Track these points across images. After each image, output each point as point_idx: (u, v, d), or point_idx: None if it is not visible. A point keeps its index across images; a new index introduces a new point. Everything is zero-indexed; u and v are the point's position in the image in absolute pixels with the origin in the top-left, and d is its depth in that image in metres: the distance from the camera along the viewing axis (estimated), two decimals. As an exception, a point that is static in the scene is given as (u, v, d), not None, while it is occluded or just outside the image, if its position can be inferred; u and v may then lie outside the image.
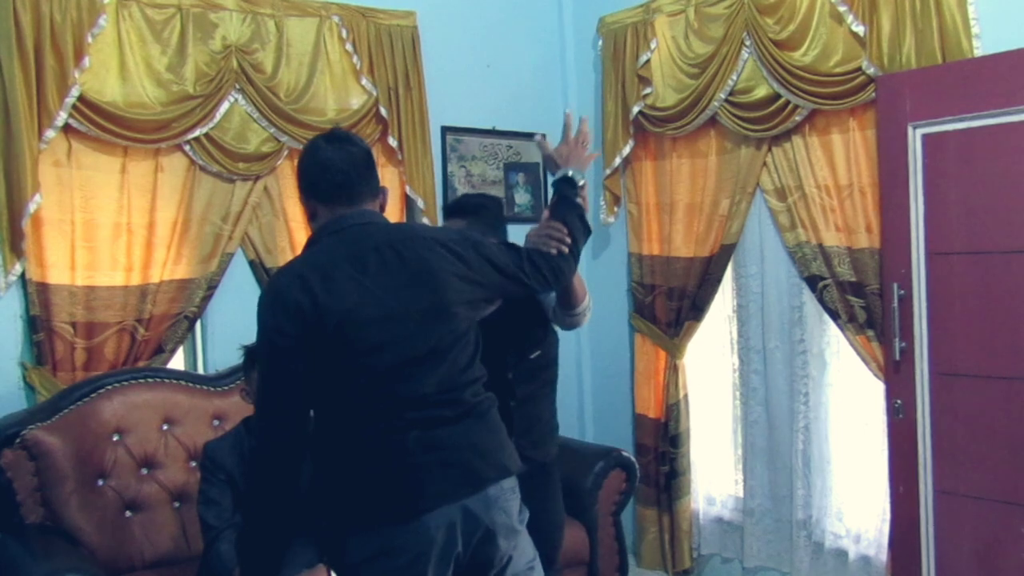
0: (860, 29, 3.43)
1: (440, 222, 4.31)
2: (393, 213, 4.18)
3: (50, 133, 3.31)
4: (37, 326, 3.35)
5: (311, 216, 2.21)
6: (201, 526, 2.90)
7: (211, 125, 3.65)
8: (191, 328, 3.71)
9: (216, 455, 2.93)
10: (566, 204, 2.52)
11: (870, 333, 3.52)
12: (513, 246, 2.41)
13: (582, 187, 2.56)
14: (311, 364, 2.04)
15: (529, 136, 4.66)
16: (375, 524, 2.08)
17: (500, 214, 2.98)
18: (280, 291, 2.07)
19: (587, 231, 2.53)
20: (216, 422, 3.47)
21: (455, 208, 2.96)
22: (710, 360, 4.33)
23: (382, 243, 2.15)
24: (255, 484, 2.17)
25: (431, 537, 2.06)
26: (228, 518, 2.88)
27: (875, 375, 3.52)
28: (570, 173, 2.57)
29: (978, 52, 3.17)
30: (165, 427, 3.39)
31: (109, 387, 3.32)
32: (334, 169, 2.16)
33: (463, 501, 2.10)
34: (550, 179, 2.64)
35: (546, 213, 2.54)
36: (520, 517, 2.27)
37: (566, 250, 2.43)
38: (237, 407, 3.17)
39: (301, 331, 2.02)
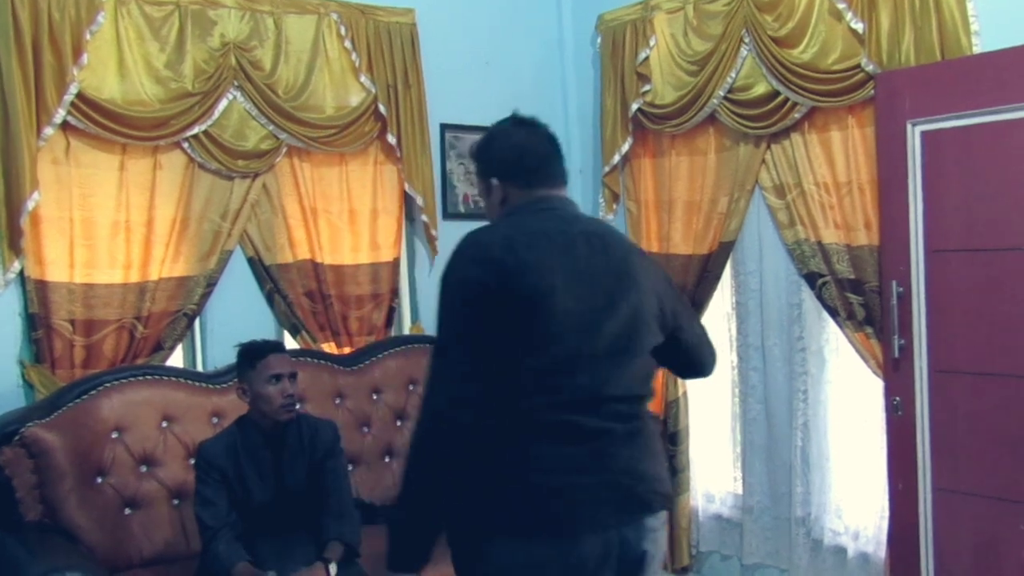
0: (859, 26, 3.42)
1: (439, 220, 4.32)
2: (392, 210, 4.18)
3: (48, 131, 3.30)
4: (36, 324, 3.35)
5: (501, 200, 2.13)
6: (198, 526, 2.91)
7: (210, 122, 3.64)
8: (190, 325, 3.71)
9: (210, 455, 2.93)
10: None
11: (869, 330, 3.52)
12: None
13: None
14: (499, 330, 1.88)
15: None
16: (526, 534, 1.90)
17: None
18: (484, 246, 1.95)
19: None
20: (215, 419, 3.47)
21: None
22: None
23: (590, 232, 2.06)
24: (420, 461, 1.91)
25: (583, 560, 1.91)
26: (224, 517, 2.89)
27: (874, 372, 3.52)
28: None
29: (977, 49, 3.16)
30: (164, 424, 3.39)
31: (108, 385, 3.32)
32: (532, 152, 2.12)
33: (622, 528, 1.96)
34: None
35: None
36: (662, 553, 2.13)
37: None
38: (236, 405, 3.17)
39: (500, 288, 1.88)
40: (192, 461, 3.24)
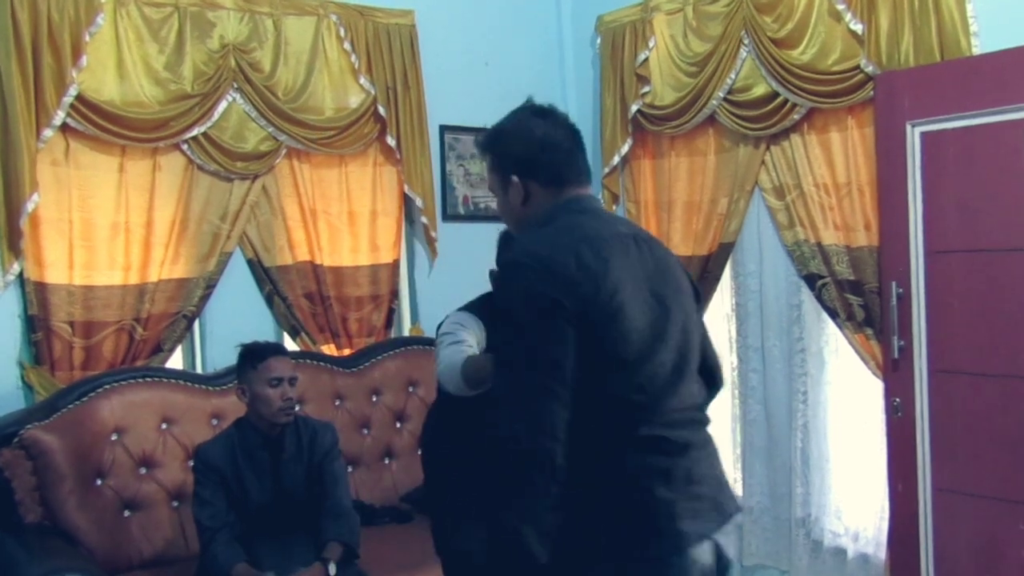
0: (858, 27, 3.42)
1: (439, 221, 4.32)
2: (391, 212, 4.18)
3: (48, 132, 3.30)
4: (35, 325, 3.34)
5: (522, 199, 1.94)
6: (197, 528, 2.91)
7: (209, 124, 3.64)
8: (189, 327, 3.71)
9: (208, 457, 2.94)
10: None
11: (868, 331, 3.52)
12: None
13: None
14: (575, 346, 1.71)
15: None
16: (635, 556, 1.76)
17: None
18: (547, 259, 1.76)
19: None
20: (214, 421, 3.47)
21: None
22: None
23: (637, 235, 1.92)
24: (511, 500, 1.68)
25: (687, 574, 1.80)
26: (222, 519, 2.89)
27: (874, 373, 3.52)
28: None
29: (976, 50, 3.17)
30: (163, 426, 3.39)
31: (107, 386, 3.32)
32: (556, 146, 1.93)
33: (715, 536, 1.85)
34: None
35: None
36: None
37: None
38: (235, 406, 3.17)
39: (573, 303, 1.71)
40: (191, 463, 3.24)
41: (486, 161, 2.07)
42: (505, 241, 2.68)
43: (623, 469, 1.78)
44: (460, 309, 2.68)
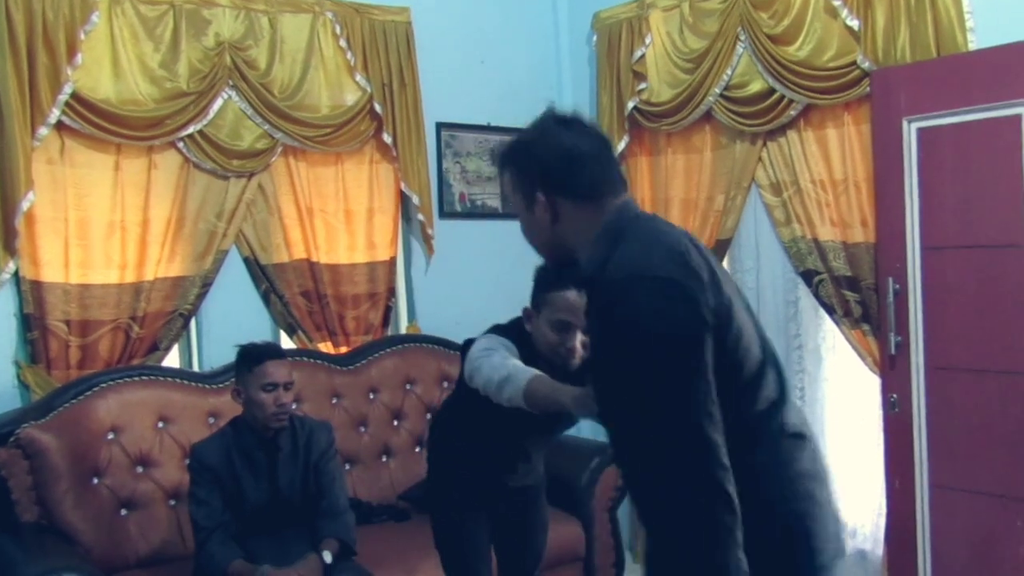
0: (855, 23, 3.42)
1: (435, 219, 4.31)
2: (388, 209, 4.17)
3: (43, 131, 3.30)
4: (31, 324, 3.34)
5: (553, 218, 1.73)
6: (193, 527, 2.90)
7: (205, 122, 3.64)
8: (185, 326, 3.70)
9: (203, 456, 2.93)
10: None
11: (865, 328, 3.52)
12: None
13: None
14: (714, 375, 1.52)
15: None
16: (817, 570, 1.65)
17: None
18: (669, 280, 1.53)
19: None
20: (211, 420, 3.46)
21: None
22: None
23: (699, 243, 1.74)
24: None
25: None
26: (218, 518, 2.88)
27: (871, 370, 3.52)
28: None
29: (972, 46, 3.17)
30: (160, 425, 3.39)
31: (104, 385, 3.31)
32: (587, 158, 1.73)
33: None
34: None
35: None
36: None
37: None
38: (232, 405, 3.16)
39: (711, 316, 1.54)
40: (187, 462, 3.24)
41: (504, 177, 1.84)
42: (542, 276, 2.41)
43: (775, 497, 1.62)
44: (488, 332, 2.51)
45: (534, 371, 2.25)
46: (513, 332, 2.46)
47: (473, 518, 2.69)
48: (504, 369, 2.27)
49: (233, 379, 3.10)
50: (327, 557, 2.90)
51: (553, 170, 1.73)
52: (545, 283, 2.39)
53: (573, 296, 2.31)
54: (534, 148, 1.77)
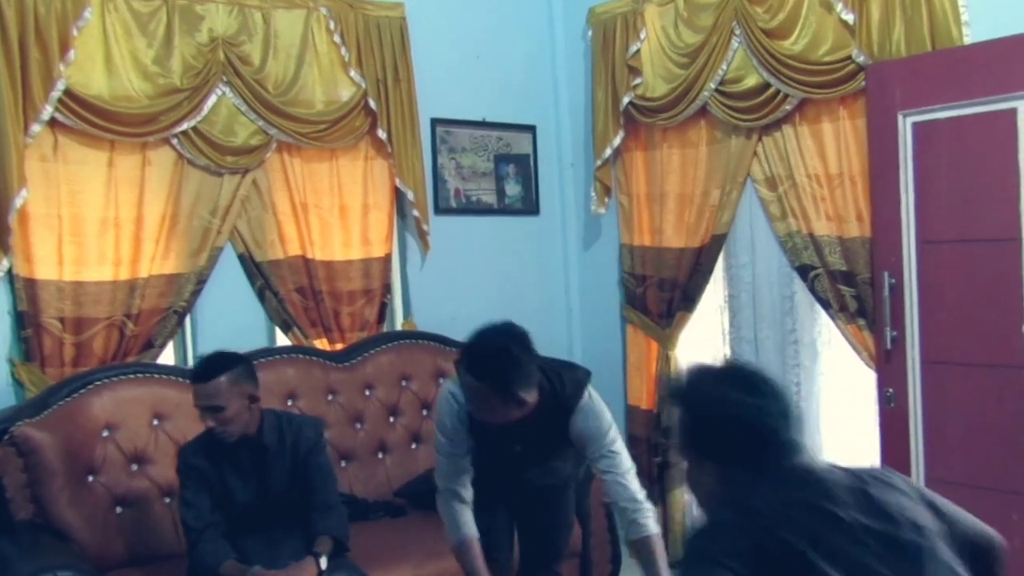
0: (850, 17, 3.42)
1: (431, 215, 4.30)
2: (383, 205, 4.16)
3: (36, 127, 3.28)
4: (25, 322, 3.33)
5: (721, 484, 1.63)
6: (183, 528, 2.89)
7: (198, 118, 3.62)
8: (180, 323, 3.69)
9: (189, 457, 2.92)
10: None
11: (861, 322, 3.52)
12: None
13: None
14: None
15: (521, 128, 4.65)
16: None
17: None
18: None
19: None
20: (206, 417, 3.45)
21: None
22: (702, 351, 4.33)
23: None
24: None
25: None
26: (207, 518, 2.87)
27: (866, 364, 3.52)
28: None
29: (968, 40, 3.16)
30: (155, 422, 3.38)
31: (98, 383, 3.30)
32: (767, 428, 1.60)
33: None
34: None
35: None
36: None
37: None
38: (227, 402, 3.15)
39: None
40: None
41: (679, 439, 1.72)
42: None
43: None
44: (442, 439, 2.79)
45: (466, 535, 2.70)
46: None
47: (489, 504, 2.82)
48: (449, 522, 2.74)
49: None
50: (323, 562, 2.88)
51: (730, 440, 1.64)
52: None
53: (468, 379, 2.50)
54: (705, 411, 1.69)
